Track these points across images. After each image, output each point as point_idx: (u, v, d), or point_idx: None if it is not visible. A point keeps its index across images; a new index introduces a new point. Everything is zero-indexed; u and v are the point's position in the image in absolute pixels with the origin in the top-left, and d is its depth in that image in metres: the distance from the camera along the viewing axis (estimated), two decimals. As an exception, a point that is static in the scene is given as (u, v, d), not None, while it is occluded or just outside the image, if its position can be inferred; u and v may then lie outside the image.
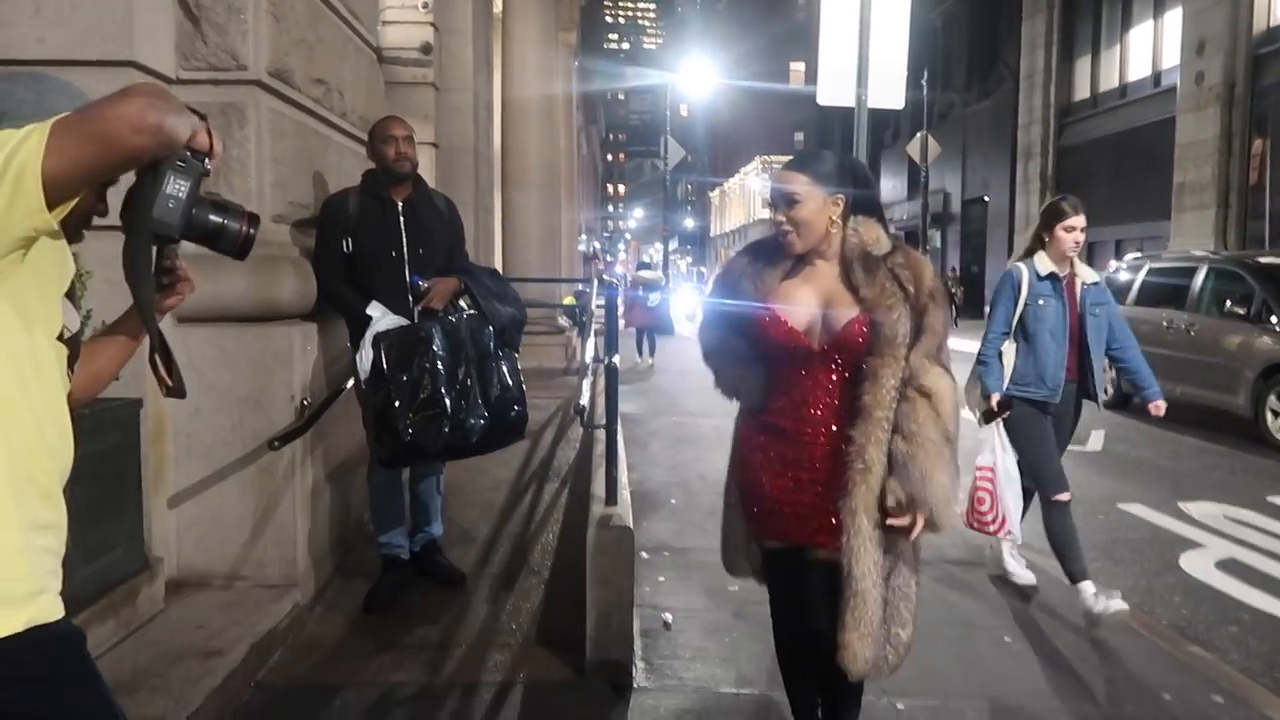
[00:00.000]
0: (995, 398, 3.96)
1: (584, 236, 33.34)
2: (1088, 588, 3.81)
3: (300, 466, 3.60)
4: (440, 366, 3.47)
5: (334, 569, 3.97)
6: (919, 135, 23.25)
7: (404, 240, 3.63)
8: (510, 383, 3.67)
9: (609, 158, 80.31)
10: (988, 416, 4.00)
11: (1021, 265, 4.03)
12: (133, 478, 3.13)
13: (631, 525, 3.17)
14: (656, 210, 50.34)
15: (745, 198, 61.73)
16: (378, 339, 3.43)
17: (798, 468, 2.26)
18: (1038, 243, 4.04)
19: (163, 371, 1.46)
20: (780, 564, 2.39)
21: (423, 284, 3.60)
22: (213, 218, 1.40)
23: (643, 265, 24.17)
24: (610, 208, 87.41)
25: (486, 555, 4.29)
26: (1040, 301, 3.94)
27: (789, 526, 2.30)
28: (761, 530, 2.39)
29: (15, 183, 1.13)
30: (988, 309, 4.29)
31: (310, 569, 3.67)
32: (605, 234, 77.43)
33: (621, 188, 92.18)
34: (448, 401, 3.45)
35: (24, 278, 1.26)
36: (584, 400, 3.50)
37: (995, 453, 3.99)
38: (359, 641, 3.40)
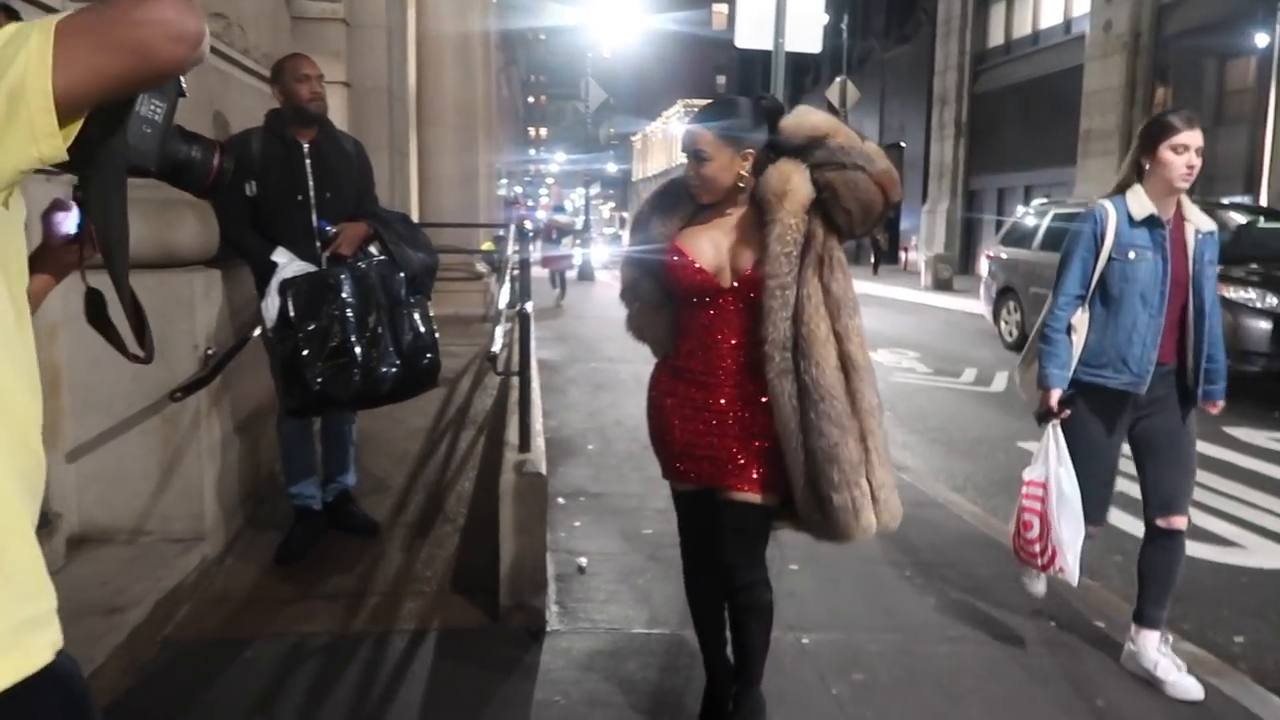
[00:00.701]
0: (1055, 394, 3.00)
1: (504, 180, 32.81)
2: (1152, 639, 3.04)
3: (206, 417, 3.51)
4: (350, 314, 3.40)
5: (245, 521, 3.91)
6: (838, 80, 23.35)
7: (310, 184, 3.53)
8: (423, 330, 3.62)
9: (530, 100, 78.79)
10: (1043, 417, 3.07)
11: (1108, 204, 2.98)
12: (25, 432, 3.01)
13: (544, 471, 3.19)
14: (579, 154, 49.79)
15: (667, 142, 61.38)
16: (284, 286, 3.35)
17: (708, 411, 2.31)
18: (1133, 173, 2.98)
19: (131, 338, 1.23)
20: (691, 505, 2.45)
21: (330, 229, 3.52)
22: (182, 148, 1.20)
23: (559, 210, 24.10)
24: (532, 151, 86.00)
25: (401, 504, 4.28)
26: (1131, 255, 2.91)
27: (700, 470, 2.35)
28: (675, 475, 2.43)
29: (11, 102, 0.91)
30: (1060, 261, 3.13)
31: (219, 522, 3.61)
32: (527, 178, 76.35)
33: (544, 131, 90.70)
34: (358, 350, 3.39)
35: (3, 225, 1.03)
36: (496, 347, 3.48)
37: (1049, 464, 3.04)
38: (271, 593, 3.38)
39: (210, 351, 3.49)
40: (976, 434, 6.80)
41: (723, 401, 2.30)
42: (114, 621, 2.82)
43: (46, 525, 3.11)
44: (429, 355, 3.63)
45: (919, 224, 25.33)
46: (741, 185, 2.26)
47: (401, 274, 3.60)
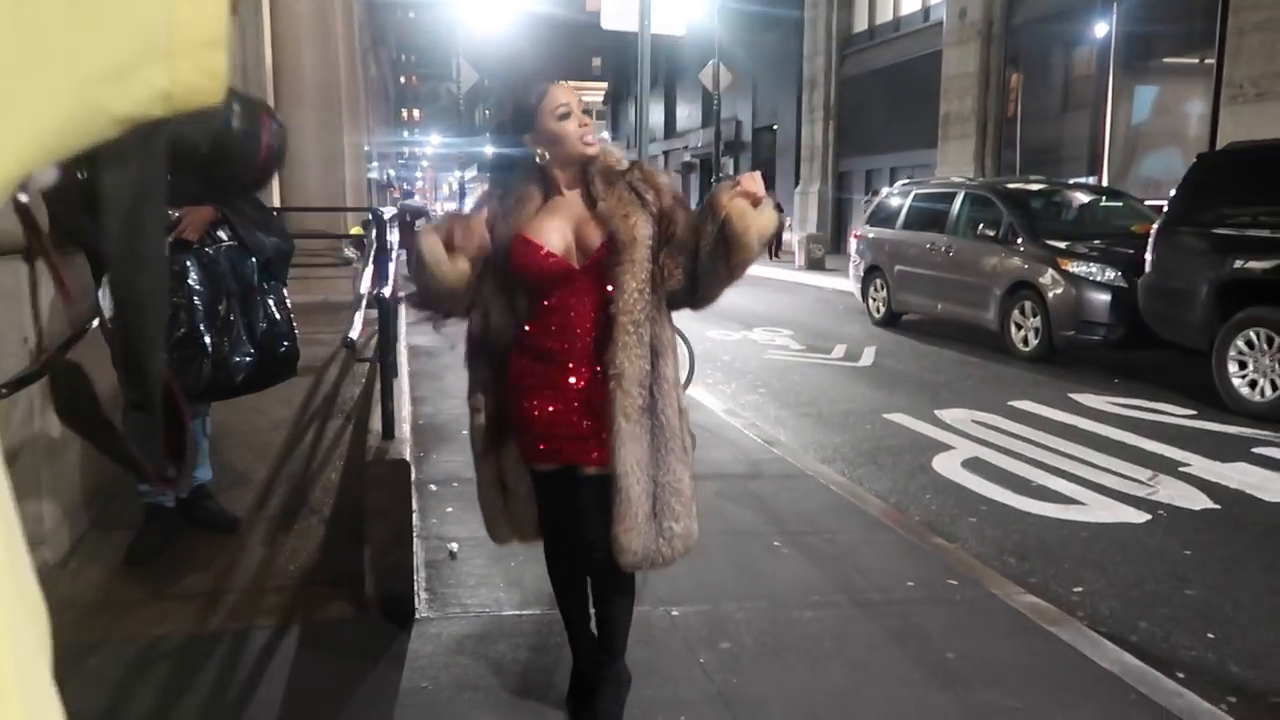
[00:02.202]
0: None
1: (375, 164, 31.92)
2: None
3: (41, 414, 3.31)
4: (197, 302, 3.26)
5: (90, 522, 3.71)
6: (710, 63, 23.60)
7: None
8: (278, 317, 3.50)
9: (401, 80, 76.70)
10: None
11: None
12: None
13: (408, 458, 3.13)
14: (454, 136, 48.88)
15: (544, 124, 60.83)
16: (122, 274, 3.17)
17: (565, 389, 2.33)
18: None
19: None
20: (553, 484, 2.45)
21: (173, 213, 3.34)
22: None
23: (408, 195, 24.15)
24: (405, 133, 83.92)
25: (264, 497, 4.14)
26: None
27: (561, 449, 2.36)
28: (536, 457, 2.43)
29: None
30: None
31: (61, 524, 3.41)
32: (401, 161, 74.47)
33: (417, 112, 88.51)
34: (208, 339, 3.25)
35: None
36: (354, 333, 3.38)
37: None
38: (119, 596, 3.22)
39: (44, 344, 3.29)
40: (845, 407, 7.02)
41: (580, 378, 2.33)
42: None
43: None
44: (286, 343, 3.51)
45: (793, 206, 25.91)
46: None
47: (253, 260, 3.48)
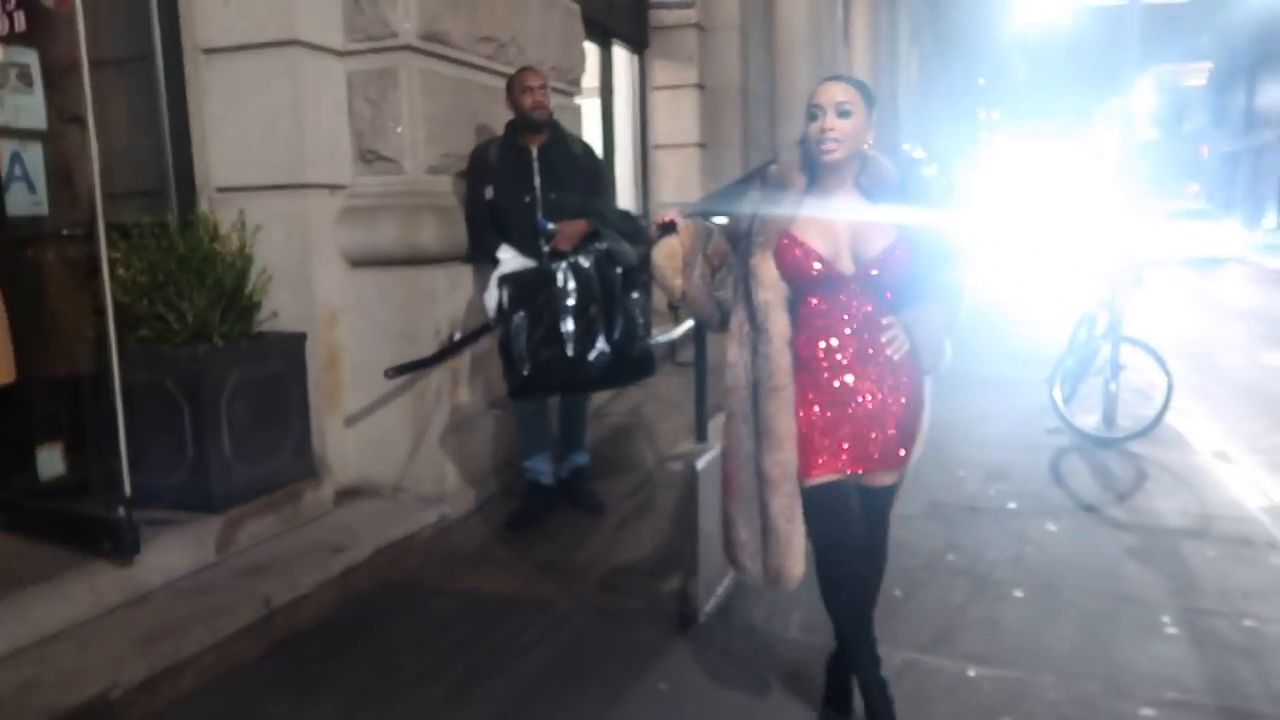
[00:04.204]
0: None
1: (931, 169, 31.60)
2: None
3: (450, 395, 4.02)
4: (562, 304, 3.68)
5: (500, 489, 4.37)
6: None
7: (536, 186, 3.85)
8: (637, 321, 3.80)
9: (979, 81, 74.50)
10: None
11: None
12: (298, 398, 3.69)
13: (699, 466, 3.17)
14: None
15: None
16: (503, 280, 3.71)
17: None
18: None
19: None
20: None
21: (550, 226, 3.81)
22: None
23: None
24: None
25: (636, 489, 4.46)
26: None
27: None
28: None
29: None
30: None
31: (463, 486, 4.09)
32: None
33: (997, 113, 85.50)
34: (567, 338, 3.66)
35: None
36: (666, 338, 3.53)
37: None
38: (490, 553, 3.78)
39: (456, 336, 3.98)
40: None
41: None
42: (333, 559, 3.37)
43: (314, 476, 3.78)
44: (639, 346, 3.80)
45: None
46: (867, 149, 2.30)
47: (619, 269, 3.81)
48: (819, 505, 2.32)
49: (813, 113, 2.26)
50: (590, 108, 7.06)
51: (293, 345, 3.67)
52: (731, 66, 8.81)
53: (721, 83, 8.72)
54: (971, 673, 2.83)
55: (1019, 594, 3.41)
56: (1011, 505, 4.41)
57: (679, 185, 8.17)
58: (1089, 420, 5.58)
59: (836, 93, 2.24)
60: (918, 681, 2.79)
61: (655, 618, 3.19)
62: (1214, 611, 3.27)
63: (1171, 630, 3.14)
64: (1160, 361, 5.51)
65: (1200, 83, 42.24)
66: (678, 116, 8.43)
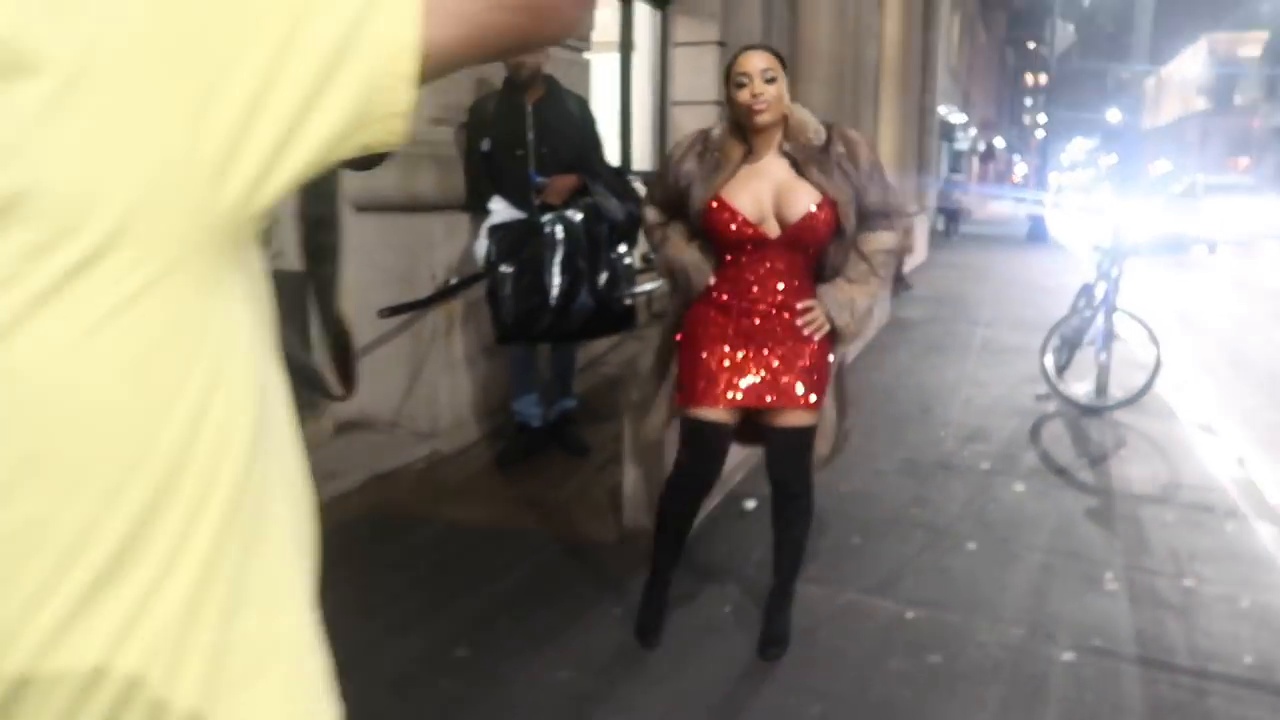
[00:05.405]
0: None
1: (967, 133, 31.23)
2: None
3: (445, 336, 4.22)
4: (548, 256, 3.84)
5: (491, 430, 4.59)
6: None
7: (529, 139, 4.00)
8: (620, 276, 3.96)
9: (1029, 45, 72.89)
10: None
11: None
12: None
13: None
14: (1071, 103, 45.39)
15: (1184, 87, 53.32)
16: (492, 230, 3.88)
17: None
18: None
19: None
20: None
21: (541, 180, 3.96)
22: None
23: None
24: (1029, 101, 79.91)
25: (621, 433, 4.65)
26: None
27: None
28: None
29: (333, 61, 0.51)
30: None
31: (456, 424, 4.31)
32: (1015, 130, 71.19)
33: (1043, 78, 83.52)
34: (552, 289, 3.83)
35: None
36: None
37: None
38: (479, 487, 4.00)
39: (451, 281, 4.17)
40: None
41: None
42: (328, 485, 3.60)
43: (315, 410, 4.01)
44: (621, 299, 3.97)
45: None
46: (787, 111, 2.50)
47: (607, 224, 3.96)
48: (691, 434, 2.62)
49: (739, 80, 2.45)
50: (610, 63, 7.16)
51: (296, 284, 3.87)
52: (753, 24, 8.83)
53: (743, 40, 8.69)
54: (910, 614, 3.02)
55: (972, 546, 3.58)
56: (985, 465, 4.56)
57: (696, 143, 8.23)
58: (1079, 388, 5.69)
59: (760, 61, 2.43)
60: (856, 619, 2.98)
61: (622, 551, 3.40)
62: (1157, 571, 3.42)
63: (1112, 586, 3.30)
64: (1150, 333, 5.59)
65: (1255, 54, 41.07)
66: (698, 74, 8.48)
